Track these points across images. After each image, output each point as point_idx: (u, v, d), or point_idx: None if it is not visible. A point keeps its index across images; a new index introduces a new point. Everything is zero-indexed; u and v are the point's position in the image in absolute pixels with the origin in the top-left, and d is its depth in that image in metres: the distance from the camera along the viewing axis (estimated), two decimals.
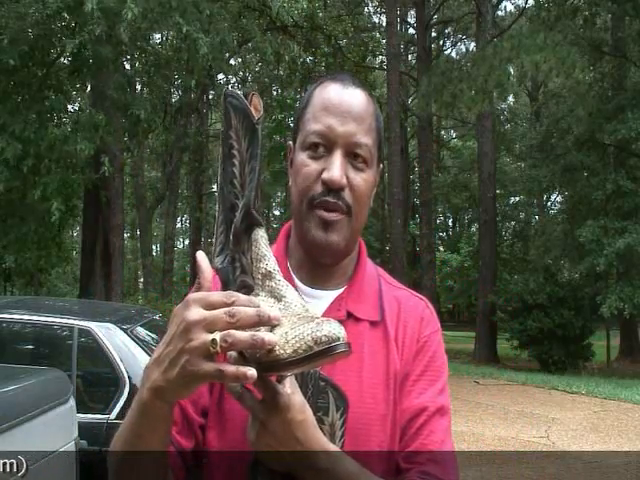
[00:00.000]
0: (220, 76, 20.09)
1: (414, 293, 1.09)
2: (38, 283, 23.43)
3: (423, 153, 22.30)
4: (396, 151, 19.33)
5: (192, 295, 0.73)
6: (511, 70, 14.28)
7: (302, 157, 0.96)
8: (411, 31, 30.06)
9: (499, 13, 26.93)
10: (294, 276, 1.00)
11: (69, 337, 3.79)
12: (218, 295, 0.72)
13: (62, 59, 10.09)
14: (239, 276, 0.78)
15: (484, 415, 8.51)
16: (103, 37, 8.38)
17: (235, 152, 0.79)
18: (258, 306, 0.71)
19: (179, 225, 40.21)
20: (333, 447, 0.83)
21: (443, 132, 39.90)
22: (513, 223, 30.15)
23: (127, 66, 13.68)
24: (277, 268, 0.78)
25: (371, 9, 28.56)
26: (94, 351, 3.76)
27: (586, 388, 10.67)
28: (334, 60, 23.70)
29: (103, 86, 10.27)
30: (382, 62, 27.56)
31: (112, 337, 3.71)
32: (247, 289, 0.76)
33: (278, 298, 0.76)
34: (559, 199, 27.05)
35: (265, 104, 32.07)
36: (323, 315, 0.92)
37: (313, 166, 0.95)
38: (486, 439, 7.06)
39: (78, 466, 2.62)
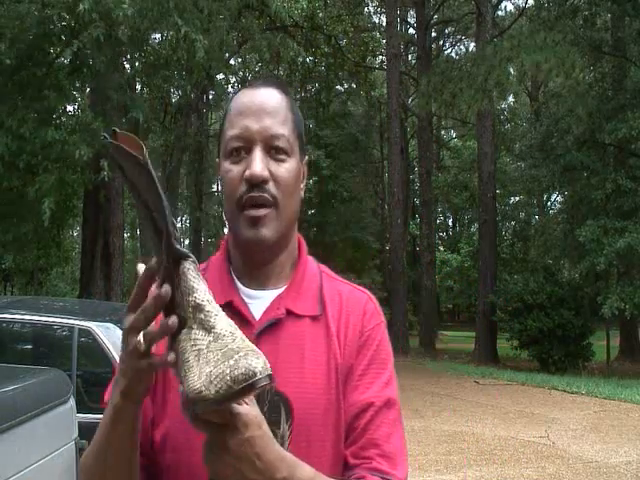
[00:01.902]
0: (220, 76, 20.06)
1: (357, 287, 1.10)
2: (38, 283, 23.42)
3: (423, 153, 22.32)
4: (396, 151, 19.36)
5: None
6: (511, 70, 14.29)
7: (225, 165, 0.98)
8: (411, 31, 30.08)
9: (499, 13, 26.95)
10: (237, 280, 1.02)
11: (69, 337, 3.79)
12: (135, 295, 0.79)
13: (62, 59, 10.08)
14: (174, 309, 0.78)
15: (484, 415, 8.51)
16: (101, 39, 8.37)
17: (137, 191, 0.79)
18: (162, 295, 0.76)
19: (179, 225, 40.20)
20: (289, 455, 0.84)
21: (443, 132, 39.91)
22: (513, 223, 30.15)
23: (127, 66, 13.68)
24: (208, 298, 0.77)
25: (371, 9, 28.59)
26: (94, 351, 3.75)
27: (586, 388, 10.67)
28: (334, 60, 23.72)
29: (103, 87, 10.27)
30: (382, 62, 27.56)
31: (112, 337, 3.70)
32: (181, 323, 0.77)
33: (208, 330, 0.76)
34: (559, 199, 27.04)
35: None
36: (264, 314, 0.97)
37: (236, 169, 0.96)
38: (486, 439, 7.06)
39: (78, 467, 2.62)
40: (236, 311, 0.97)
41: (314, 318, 1.00)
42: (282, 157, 0.97)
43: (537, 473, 5.74)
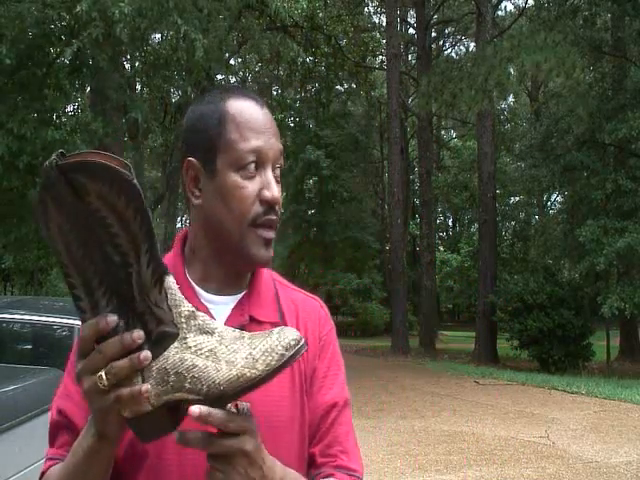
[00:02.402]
0: (220, 76, 20.05)
1: (308, 294, 1.13)
2: (38, 283, 23.43)
3: (423, 153, 22.31)
4: (396, 151, 19.36)
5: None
6: (511, 70, 14.28)
7: (235, 178, 0.96)
8: (411, 31, 30.08)
9: (499, 13, 26.96)
10: (194, 284, 1.01)
11: (69, 337, 3.79)
12: (86, 342, 0.77)
13: (62, 59, 10.08)
14: (155, 329, 0.77)
15: (484, 415, 8.51)
16: (100, 39, 8.37)
17: (106, 215, 0.74)
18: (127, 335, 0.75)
19: (179, 225, 40.20)
20: (277, 461, 0.87)
21: (443, 132, 39.93)
22: (513, 223, 30.17)
23: (126, 66, 13.68)
24: (194, 306, 0.80)
25: (371, 9, 28.62)
26: None
27: (586, 388, 10.67)
28: (334, 60, 23.72)
29: (102, 86, 10.27)
30: (382, 62, 27.57)
31: None
32: (171, 338, 0.77)
33: (210, 332, 0.78)
34: (559, 199, 27.05)
35: (265, 104, 32.09)
36: (227, 321, 0.98)
37: (250, 187, 0.96)
38: (486, 439, 7.06)
39: None
40: None
41: (274, 325, 1.00)
42: (278, 178, 1.00)
43: (537, 473, 5.74)
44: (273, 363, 0.75)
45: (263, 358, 0.75)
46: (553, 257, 20.06)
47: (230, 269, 1.01)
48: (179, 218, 37.71)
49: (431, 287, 21.16)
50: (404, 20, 29.52)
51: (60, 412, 1.00)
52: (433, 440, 7.02)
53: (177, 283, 0.96)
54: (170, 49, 10.89)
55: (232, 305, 1.01)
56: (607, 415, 8.52)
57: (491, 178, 18.27)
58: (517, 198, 28.86)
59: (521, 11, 25.65)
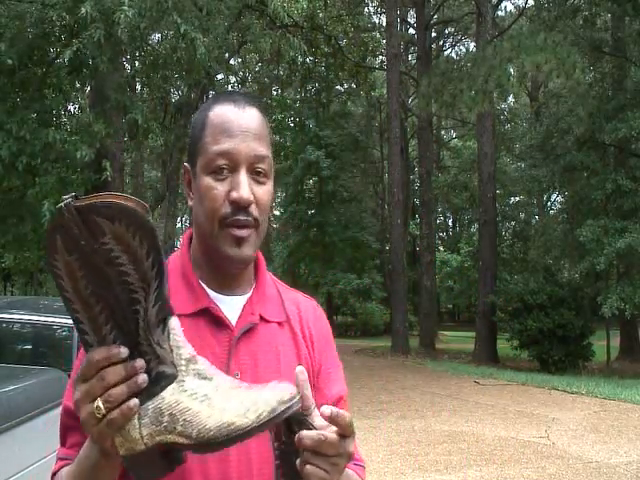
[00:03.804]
0: (220, 76, 20.06)
1: (304, 295, 1.18)
2: (38, 283, 23.42)
3: (423, 153, 22.30)
4: (396, 151, 19.35)
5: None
6: (511, 70, 14.27)
7: (207, 180, 0.99)
8: (411, 31, 30.07)
9: (499, 13, 26.94)
10: (202, 284, 1.05)
11: (69, 337, 3.79)
12: (91, 367, 0.76)
13: (62, 59, 10.08)
14: (155, 367, 0.78)
15: (484, 415, 8.51)
16: (102, 40, 8.37)
17: (119, 255, 0.75)
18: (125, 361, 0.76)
19: (179, 225, 40.20)
20: None
21: (443, 132, 39.92)
22: (513, 223, 30.17)
23: (126, 66, 13.67)
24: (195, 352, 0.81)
25: (371, 9, 28.60)
26: None
27: (586, 388, 10.66)
28: (334, 60, 23.72)
29: (102, 87, 10.26)
30: (382, 62, 27.57)
31: None
32: (169, 378, 0.78)
33: (209, 378, 0.79)
34: (559, 199, 27.05)
35: (265, 104, 32.00)
36: (239, 320, 1.02)
37: (220, 188, 0.99)
38: (486, 439, 7.06)
39: None
40: (214, 317, 1.01)
41: (280, 324, 1.07)
42: (263, 179, 1.01)
43: (537, 473, 5.74)
44: (264, 415, 0.75)
45: (255, 409, 0.76)
46: (553, 257, 20.06)
47: (219, 269, 1.04)
48: (179, 218, 37.71)
49: (431, 287, 21.16)
50: (404, 20, 29.50)
51: (69, 412, 1.01)
52: (433, 440, 7.02)
53: (188, 284, 1.03)
54: (170, 49, 10.88)
55: (241, 304, 1.04)
56: (607, 415, 8.52)
57: (491, 178, 18.27)
58: (517, 198, 28.88)
59: (521, 11, 25.65)
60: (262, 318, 1.04)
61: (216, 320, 1.01)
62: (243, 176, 0.98)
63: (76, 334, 3.08)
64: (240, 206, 0.98)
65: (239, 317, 1.02)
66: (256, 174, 1.00)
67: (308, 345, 1.08)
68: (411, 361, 16.66)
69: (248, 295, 1.06)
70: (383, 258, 31.49)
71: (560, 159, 16.87)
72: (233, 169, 0.99)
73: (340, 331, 30.28)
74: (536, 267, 19.38)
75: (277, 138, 30.99)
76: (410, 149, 32.82)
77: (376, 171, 34.70)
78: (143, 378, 0.76)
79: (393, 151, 19.45)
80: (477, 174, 20.12)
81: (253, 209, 0.99)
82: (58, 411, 2.48)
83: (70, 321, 3.67)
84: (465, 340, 24.60)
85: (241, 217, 0.98)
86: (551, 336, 15.31)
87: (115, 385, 0.75)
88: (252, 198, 0.99)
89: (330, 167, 27.55)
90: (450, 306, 43.96)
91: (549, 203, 31.10)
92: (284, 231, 33.65)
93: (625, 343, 19.61)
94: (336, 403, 1.05)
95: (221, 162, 0.98)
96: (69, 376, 3.56)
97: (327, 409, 0.79)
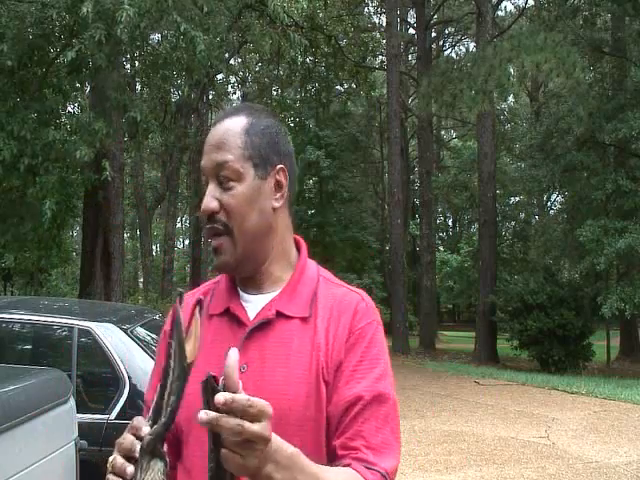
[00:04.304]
0: (220, 76, 20.06)
1: (352, 289, 1.13)
2: (38, 283, 23.40)
3: (423, 153, 22.31)
4: (396, 151, 19.35)
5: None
6: (511, 70, 14.27)
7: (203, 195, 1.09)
8: (411, 31, 30.06)
9: (499, 13, 26.92)
10: (239, 287, 1.12)
11: (69, 337, 3.79)
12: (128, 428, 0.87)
13: (62, 59, 10.08)
14: None
15: (484, 415, 8.51)
16: (103, 40, 8.37)
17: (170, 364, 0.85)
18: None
19: (179, 225, 40.19)
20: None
21: (443, 132, 39.91)
22: (513, 223, 30.13)
23: (126, 66, 13.68)
24: None
25: (371, 9, 28.59)
26: (94, 351, 3.74)
27: (586, 388, 10.66)
28: (334, 60, 23.71)
29: (102, 86, 10.26)
30: (382, 62, 27.56)
31: (112, 337, 3.70)
32: None
33: None
34: (559, 199, 27.03)
35: (265, 104, 31.99)
36: (256, 316, 1.06)
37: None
38: (486, 439, 7.06)
39: (78, 466, 2.62)
40: (232, 314, 1.08)
41: (304, 319, 1.06)
42: (230, 184, 1.04)
43: (537, 473, 5.74)
44: None
45: None
46: (553, 257, 20.05)
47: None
48: (179, 218, 37.71)
49: (431, 287, 21.16)
50: (404, 20, 29.49)
51: (145, 402, 1.14)
52: (433, 440, 7.02)
53: (227, 287, 1.13)
54: (170, 48, 10.88)
55: (264, 303, 1.07)
56: (607, 415, 8.52)
57: (491, 178, 18.26)
58: (517, 198, 28.82)
59: (521, 11, 25.65)
60: (281, 314, 1.05)
61: (236, 318, 1.06)
62: (208, 188, 1.05)
63: (76, 334, 3.07)
64: (205, 217, 1.04)
65: (257, 314, 1.06)
66: (221, 182, 1.04)
67: (329, 340, 1.04)
68: (411, 361, 16.66)
69: (276, 293, 1.08)
70: (383, 258, 31.48)
71: (560, 159, 16.87)
72: (207, 183, 1.06)
73: None
74: (536, 267, 19.37)
75: None
76: (410, 149, 32.82)
77: (376, 171, 34.69)
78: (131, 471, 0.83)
79: (393, 151, 19.45)
80: (477, 174, 20.11)
81: (221, 216, 1.04)
82: (58, 411, 2.48)
83: (70, 321, 3.65)
84: (465, 340, 24.61)
85: (208, 225, 1.05)
86: (551, 336, 15.31)
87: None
88: (212, 206, 1.03)
89: (330, 167, 27.54)
90: (450, 306, 43.95)
91: (549, 203, 31.07)
92: None
93: (625, 343, 19.61)
94: (352, 404, 1.00)
95: (203, 177, 1.08)
96: (69, 376, 3.54)
97: (221, 396, 0.77)
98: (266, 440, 0.80)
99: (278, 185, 1.08)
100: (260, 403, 0.79)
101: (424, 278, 20.84)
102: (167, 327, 1.04)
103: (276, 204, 1.08)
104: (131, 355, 3.66)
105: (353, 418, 1.00)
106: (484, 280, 17.91)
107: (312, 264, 1.14)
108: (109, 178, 9.73)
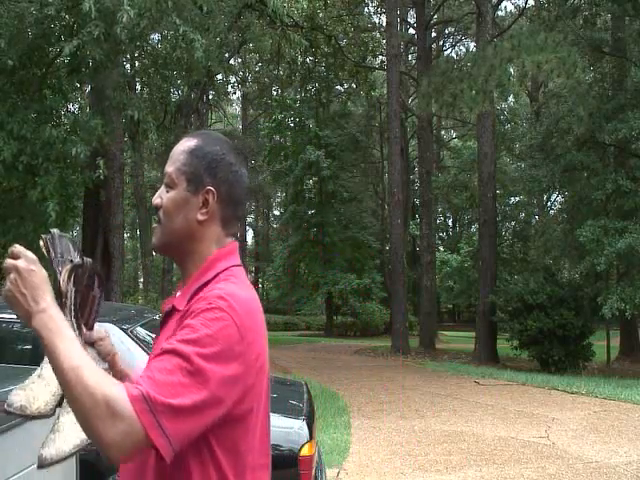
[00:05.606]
0: (220, 76, 20.04)
1: (221, 288, 1.22)
2: None
3: (423, 153, 22.32)
4: (396, 151, 19.35)
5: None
6: (511, 70, 14.27)
7: None
8: (411, 31, 30.06)
9: (499, 13, 26.93)
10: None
11: None
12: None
13: (61, 58, 10.07)
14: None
15: (484, 415, 8.51)
16: (102, 38, 8.36)
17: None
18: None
19: None
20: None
21: (443, 132, 39.93)
22: (513, 223, 30.11)
23: (126, 66, 13.66)
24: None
25: (371, 9, 28.59)
26: None
27: (586, 388, 10.66)
28: (334, 60, 23.72)
29: (102, 86, 10.26)
30: (382, 62, 27.55)
31: (112, 337, 3.70)
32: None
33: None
34: (559, 199, 27.03)
35: (265, 104, 31.96)
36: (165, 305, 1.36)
37: None
38: (486, 439, 7.05)
39: (78, 466, 2.62)
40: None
41: (180, 312, 1.26)
42: (168, 189, 1.33)
43: (537, 473, 5.74)
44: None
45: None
46: (553, 257, 20.04)
47: None
48: None
49: (431, 287, 21.17)
50: (404, 20, 29.49)
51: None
52: (433, 440, 7.02)
53: None
54: (170, 48, 10.88)
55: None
56: (607, 415, 8.52)
57: (491, 178, 18.26)
58: (517, 198, 28.80)
59: (521, 11, 25.65)
60: (174, 308, 1.29)
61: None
62: (160, 189, 1.35)
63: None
64: (154, 208, 1.34)
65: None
66: (165, 186, 1.33)
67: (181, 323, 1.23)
68: (411, 361, 16.66)
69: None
70: (383, 258, 31.48)
71: (560, 159, 16.86)
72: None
73: (340, 331, 30.27)
74: (536, 267, 19.35)
75: (277, 138, 30.97)
76: (410, 149, 32.82)
77: (376, 171, 34.69)
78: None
79: (393, 151, 19.45)
80: (477, 174, 20.11)
81: (160, 210, 1.32)
82: (58, 411, 2.48)
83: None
84: (465, 340, 24.61)
85: (154, 215, 1.37)
86: (551, 336, 15.30)
87: None
88: (156, 202, 1.33)
89: (330, 167, 27.54)
90: (450, 306, 43.97)
91: (549, 203, 31.06)
92: (284, 231, 33.64)
93: (625, 343, 19.61)
94: (157, 354, 1.15)
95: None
96: None
97: (15, 248, 1.12)
98: (15, 268, 1.10)
99: (205, 203, 1.29)
100: (21, 248, 1.12)
101: (424, 278, 20.84)
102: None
103: (200, 217, 1.29)
104: (131, 355, 3.66)
105: (149, 361, 1.17)
106: (484, 280, 17.91)
107: (218, 267, 1.29)
108: (101, 177, 9.76)
